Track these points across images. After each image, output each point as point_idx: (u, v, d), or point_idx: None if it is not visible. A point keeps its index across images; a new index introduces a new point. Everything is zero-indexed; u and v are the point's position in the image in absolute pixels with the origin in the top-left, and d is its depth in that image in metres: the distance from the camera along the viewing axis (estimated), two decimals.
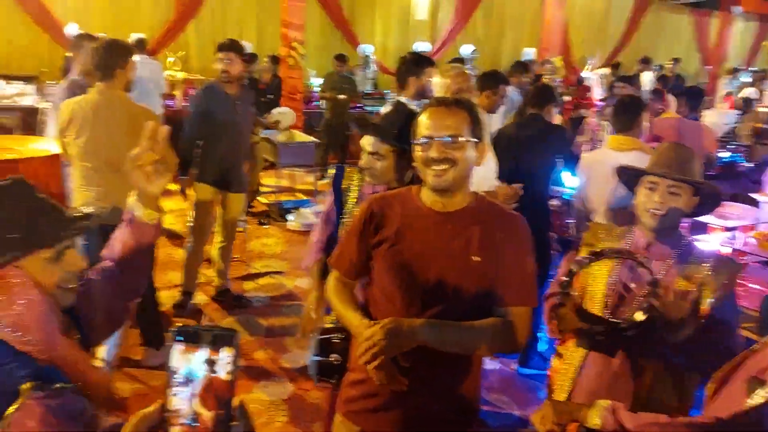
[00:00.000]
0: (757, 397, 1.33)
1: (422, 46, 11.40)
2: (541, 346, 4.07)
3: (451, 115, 1.73)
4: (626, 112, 3.44)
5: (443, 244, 1.75)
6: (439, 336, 1.68)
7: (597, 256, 1.88)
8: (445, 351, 1.72)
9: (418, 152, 1.76)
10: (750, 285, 3.08)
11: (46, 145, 5.70)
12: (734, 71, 12.37)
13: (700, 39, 16.78)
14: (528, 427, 3.41)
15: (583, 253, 2.09)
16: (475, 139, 1.74)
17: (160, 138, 1.44)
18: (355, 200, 2.43)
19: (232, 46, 4.33)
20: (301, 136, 7.78)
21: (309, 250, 2.61)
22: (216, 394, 0.75)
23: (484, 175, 3.16)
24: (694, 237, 3.51)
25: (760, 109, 6.88)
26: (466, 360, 1.84)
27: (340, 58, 8.96)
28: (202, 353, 0.75)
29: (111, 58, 3.42)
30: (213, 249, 4.79)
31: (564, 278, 1.89)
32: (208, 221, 4.58)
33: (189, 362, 0.75)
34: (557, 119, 4.33)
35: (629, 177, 2.08)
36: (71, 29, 8.18)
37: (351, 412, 1.95)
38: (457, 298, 1.74)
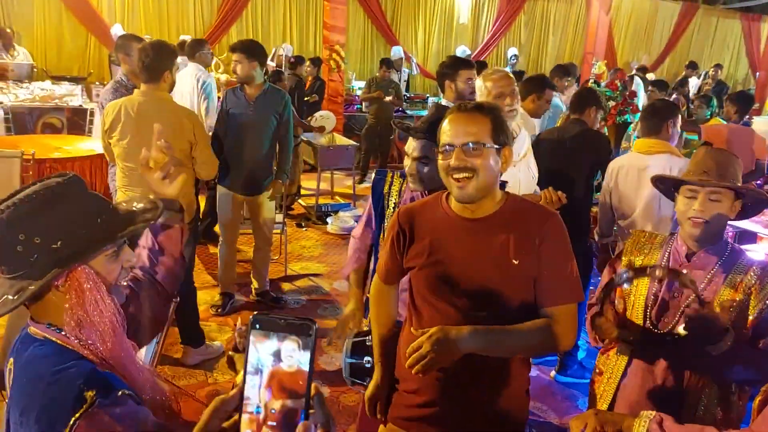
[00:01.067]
0: None
1: (461, 50, 11.34)
2: (580, 354, 4.00)
3: (472, 122, 1.69)
4: (654, 116, 3.37)
5: (480, 251, 1.73)
6: (486, 342, 1.65)
7: (638, 273, 1.82)
8: (494, 356, 1.70)
9: (440, 161, 1.73)
10: None
11: (93, 144, 5.87)
12: None
13: (749, 44, 16.33)
14: None
15: (625, 261, 2.04)
16: (498, 146, 1.69)
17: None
18: (395, 205, 2.42)
19: (240, 47, 4.29)
20: (341, 140, 7.82)
21: (348, 259, 2.60)
22: (283, 385, 0.75)
23: (526, 180, 3.12)
24: (742, 246, 3.40)
25: None
26: (513, 367, 1.82)
27: (387, 63, 8.96)
28: (270, 344, 0.75)
29: (159, 60, 3.46)
30: (250, 251, 4.83)
31: (602, 290, 1.84)
32: (233, 223, 4.57)
33: (258, 352, 0.75)
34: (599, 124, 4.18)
35: (667, 185, 2.02)
36: (116, 30, 8.38)
37: (401, 418, 1.94)
38: (501, 302, 1.72)
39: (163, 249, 1.57)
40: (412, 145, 2.22)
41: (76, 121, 7.17)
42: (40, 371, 1.16)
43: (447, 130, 1.71)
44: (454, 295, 1.75)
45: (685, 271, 1.74)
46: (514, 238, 1.71)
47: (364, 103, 9.60)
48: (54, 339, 1.21)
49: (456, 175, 1.68)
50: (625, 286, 1.91)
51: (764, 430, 1.32)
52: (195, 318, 3.94)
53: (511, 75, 3.18)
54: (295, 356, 0.75)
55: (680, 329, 1.77)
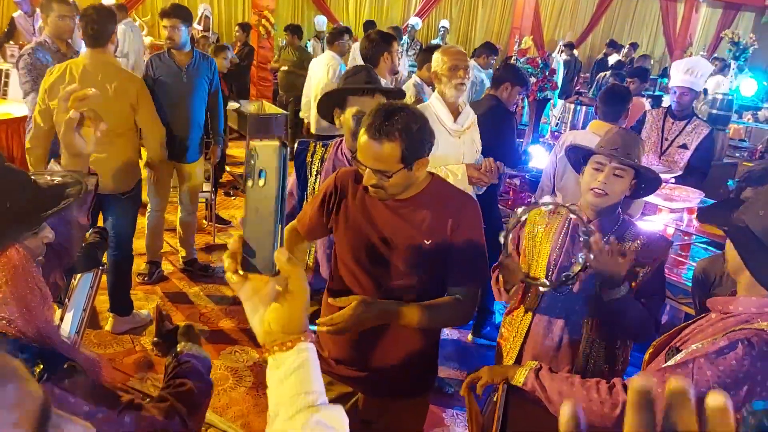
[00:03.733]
0: (671, 362, 1.47)
1: (413, 21, 11.36)
2: (497, 318, 4.24)
3: (381, 149, 1.73)
4: (616, 104, 3.58)
5: (398, 228, 1.86)
6: (397, 320, 1.81)
7: (533, 205, 2.04)
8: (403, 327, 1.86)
9: (359, 168, 1.83)
10: (691, 263, 3.26)
11: (9, 107, 5.63)
12: None
13: (666, 24, 17.06)
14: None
15: (528, 228, 2.22)
16: (409, 165, 1.76)
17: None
18: (317, 172, 2.50)
19: (176, 13, 4.19)
20: (271, 108, 7.75)
21: None
22: None
23: (470, 153, 3.32)
24: (645, 217, 3.69)
25: (717, 96, 7.10)
26: (423, 332, 1.98)
27: (292, 30, 8.49)
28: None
29: (104, 24, 3.43)
30: (176, 219, 4.81)
31: (505, 234, 2.00)
32: (164, 190, 4.55)
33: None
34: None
35: (578, 157, 2.21)
36: None
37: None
38: (412, 276, 1.87)
39: (71, 218, 1.58)
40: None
41: None
42: None
43: (361, 149, 1.78)
44: (371, 265, 1.89)
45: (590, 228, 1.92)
46: (429, 219, 1.85)
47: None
48: None
49: (370, 187, 1.81)
50: (523, 218, 2.03)
51: (621, 381, 1.52)
52: (128, 287, 3.94)
53: (464, 52, 3.35)
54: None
55: (575, 267, 1.95)
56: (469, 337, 4.19)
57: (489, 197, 3.82)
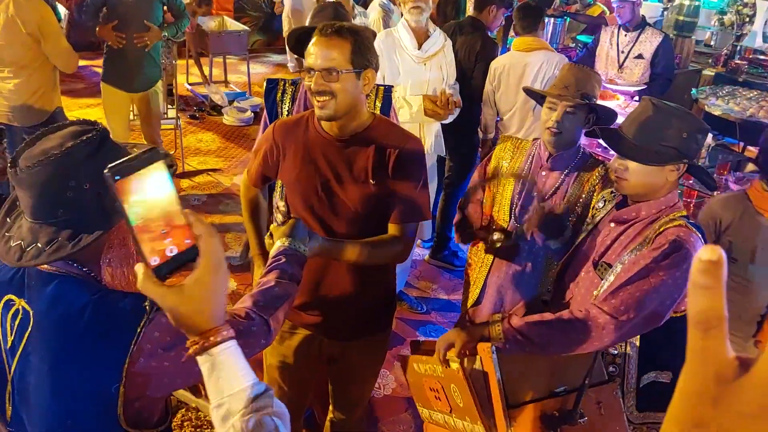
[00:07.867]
0: (611, 278, 1.64)
1: None
2: (455, 245, 4.35)
3: (332, 46, 1.76)
4: (529, 16, 3.63)
5: (343, 170, 1.89)
6: (339, 254, 1.84)
7: (493, 176, 2.19)
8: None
9: (305, 81, 1.83)
10: None
11: None
12: None
13: None
14: (453, 310, 3.77)
15: (493, 164, 2.30)
16: (358, 69, 1.79)
17: None
18: (289, 111, 2.51)
19: None
20: (233, 24, 7.52)
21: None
22: (168, 215, 0.87)
23: (435, 79, 3.34)
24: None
25: (685, 2, 7.03)
26: (378, 277, 2.05)
27: None
28: (138, 185, 0.83)
29: None
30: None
31: (465, 196, 2.15)
32: (123, 122, 4.47)
33: (133, 202, 0.84)
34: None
35: (536, 95, 2.26)
36: None
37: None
38: (358, 217, 1.92)
39: None
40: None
41: None
42: (79, 301, 1.18)
43: (310, 53, 1.79)
44: (319, 208, 1.93)
45: (533, 178, 2.08)
46: (373, 159, 1.87)
47: None
48: (78, 275, 1.22)
49: (317, 97, 1.79)
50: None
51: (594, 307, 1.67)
52: None
53: None
54: (161, 181, 0.84)
55: (519, 230, 2.09)
56: (427, 257, 4.32)
57: (470, 123, 3.87)
